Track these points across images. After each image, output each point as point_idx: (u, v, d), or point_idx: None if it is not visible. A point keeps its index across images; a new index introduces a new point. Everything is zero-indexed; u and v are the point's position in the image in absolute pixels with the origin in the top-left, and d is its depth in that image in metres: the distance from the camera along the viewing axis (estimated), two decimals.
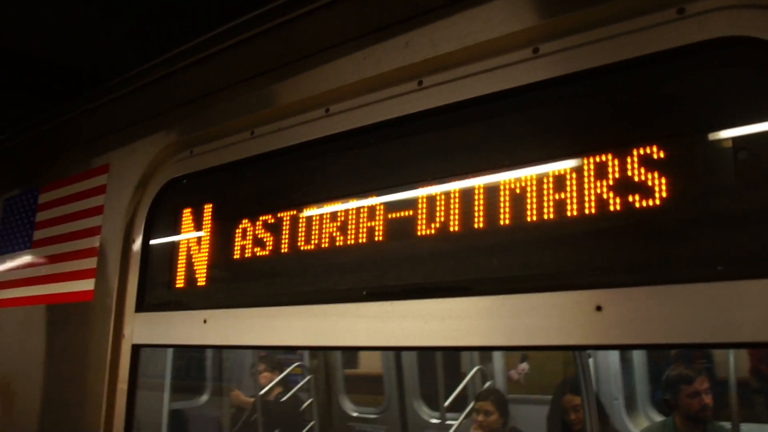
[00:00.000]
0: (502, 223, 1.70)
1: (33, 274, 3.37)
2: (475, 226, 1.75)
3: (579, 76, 1.65)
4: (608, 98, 1.63)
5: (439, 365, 7.09)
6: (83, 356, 2.90)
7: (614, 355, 6.64)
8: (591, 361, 6.67)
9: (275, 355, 8.68)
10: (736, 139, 1.42)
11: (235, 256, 2.38)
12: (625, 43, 1.58)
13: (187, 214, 2.64)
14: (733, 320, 1.31)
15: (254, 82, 2.49)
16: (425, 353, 7.43)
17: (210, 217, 2.55)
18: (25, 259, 3.47)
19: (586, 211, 1.57)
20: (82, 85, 3.37)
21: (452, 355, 7.94)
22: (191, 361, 8.92)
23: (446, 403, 6.96)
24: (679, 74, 1.53)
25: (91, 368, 2.83)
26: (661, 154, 1.49)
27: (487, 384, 7.70)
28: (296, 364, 8.94)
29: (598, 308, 1.48)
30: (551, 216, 1.62)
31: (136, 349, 2.70)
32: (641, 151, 1.51)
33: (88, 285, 2.99)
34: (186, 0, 2.66)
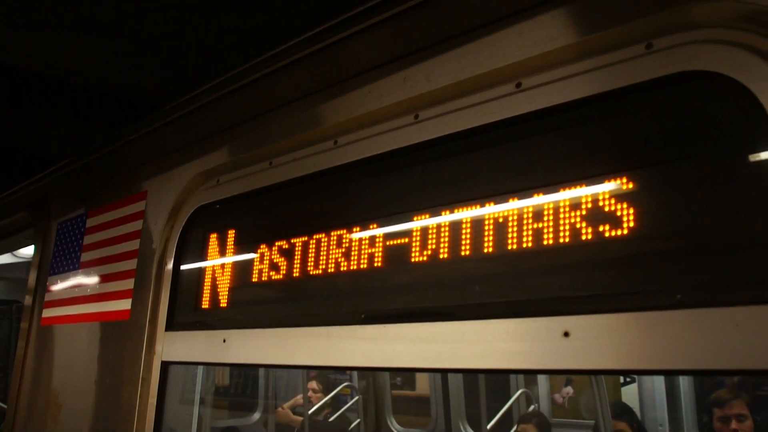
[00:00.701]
0: (485, 251, 1.77)
1: (80, 293, 3.60)
2: (462, 253, 1.83)
3: (557, 110, 1.72)
4: (580, 131, 1.69)
5: (482, 388, 7.07)
6: (120, 372, 3.09)
7: (660, 381, 6.49)
8: (635, 386, 6.55)
9: (327, 375, 8.85)
10: (700, 171, 1.45)
11: (250, 280, 2.52)
12: (599, 77, 1.64)
13: (213, 240, 2.81)
14: (691, 347, 1.35)
15: (273, 114, 2.64)
16: (469, 375, 7.41)
17: (232, 242, 2.71)
18: (74, 279, 3.71)
19: (561, 241, 1.62)
20: (134, 114, 3.61)
21: (499, 378, 7.90)
22: (247, 380, 9.16)
23: (489, 426, 6.93)
24: (647, 107, 1.57)
25: (125, 383, 3.01)
26: (630, 185, 1.54)
27: (532, 407, 7.64)
28: (345, 384, 9.08)
29: (566, 334, 1.53)
30: (529, 245, 1.68)
31: (165, 365, 2.86)
32: (611, 182, 1.57)
33: (126, 305, 3.18)
34: (217, 41, 2.84)
